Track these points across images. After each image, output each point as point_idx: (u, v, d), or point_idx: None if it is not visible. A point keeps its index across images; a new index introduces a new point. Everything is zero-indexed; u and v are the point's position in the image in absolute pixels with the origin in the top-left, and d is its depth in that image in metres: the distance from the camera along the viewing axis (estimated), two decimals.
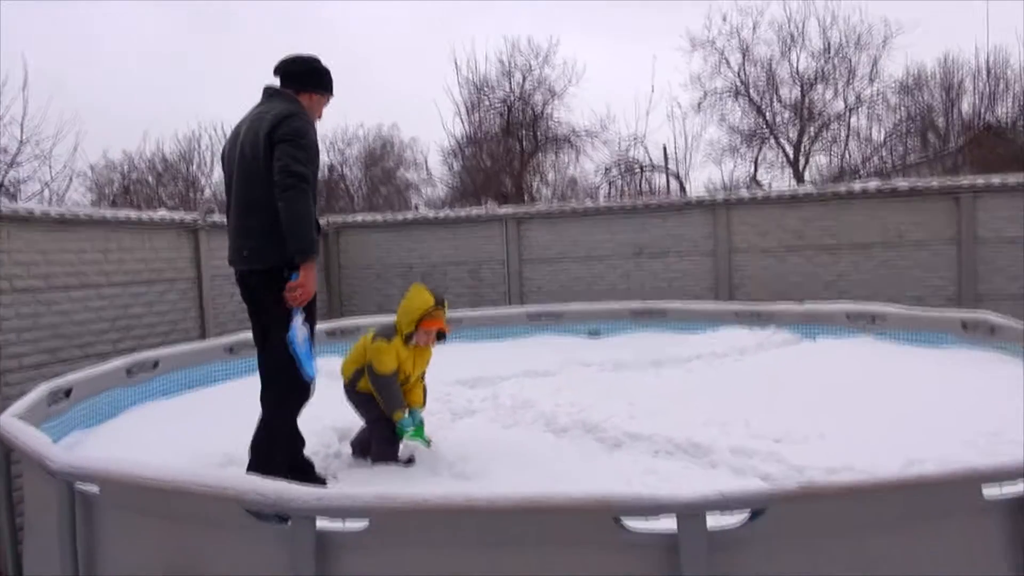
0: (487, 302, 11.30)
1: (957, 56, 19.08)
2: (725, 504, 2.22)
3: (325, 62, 3.83)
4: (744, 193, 11.30)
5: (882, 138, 19.69)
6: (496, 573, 2.27)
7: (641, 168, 20.72)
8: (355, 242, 12.35)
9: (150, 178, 21.82)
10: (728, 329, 7.51)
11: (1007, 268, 9.72)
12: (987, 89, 18.39)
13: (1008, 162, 15.28)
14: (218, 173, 21.82)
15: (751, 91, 19.71)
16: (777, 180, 20.29)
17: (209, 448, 4.05)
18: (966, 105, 19.04)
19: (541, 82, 19.72)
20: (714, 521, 2.23)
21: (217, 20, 35.85)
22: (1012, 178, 9.84)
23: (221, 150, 3.84)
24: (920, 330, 6.72)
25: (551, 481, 3.53)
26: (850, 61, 18.94)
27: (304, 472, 3.71)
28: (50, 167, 15.66)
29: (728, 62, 19.68)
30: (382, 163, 25.15)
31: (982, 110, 18.54)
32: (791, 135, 19.84)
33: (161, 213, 9.34)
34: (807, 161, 19.93)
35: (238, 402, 5.18)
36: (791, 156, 19.74)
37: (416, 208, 17.26)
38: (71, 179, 16.61)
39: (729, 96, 19.88)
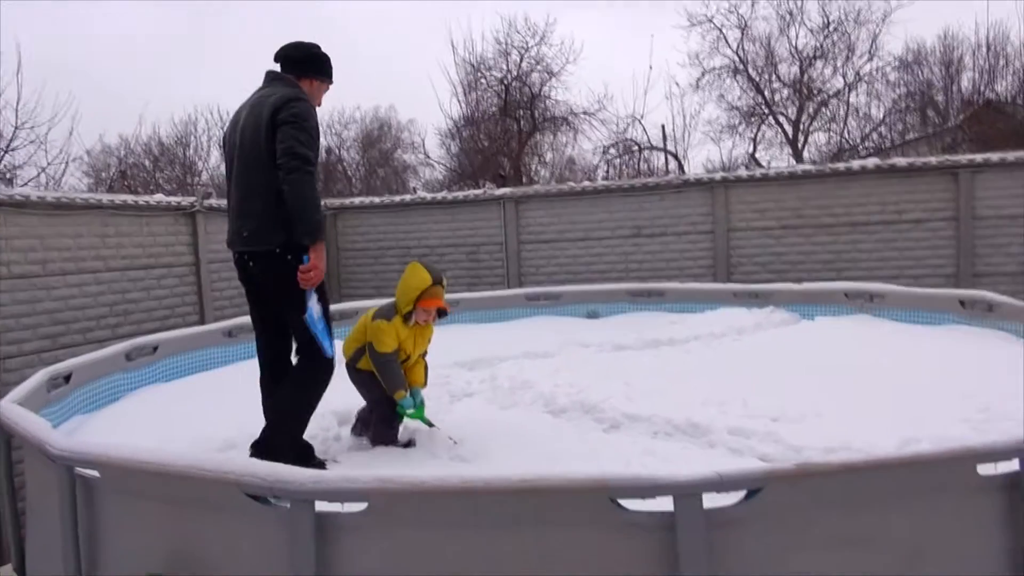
0: (485, 284, 11.30)
1: (957, 32, 18.98)
2: (722, 485, 2.23)
3: (324, 48, 3.82)
4: (743, 172, 11.28)
5: (881, 115, 19.61)
6: (494, 554, 2.29)
7: (639, 148, 20.64)
8: (353, 225, 12.34)
9: (147, 162, 21.75)
10: (726, 309, 7.51)
11: (1006, 246, 9.72)
12: (987, 65, 18.30)
13: (1007, 138, 15.22)
14: (215, 157, 21.78)
15: (750, 69, 19.59)
16: (776, 159, 20.25)
17: (209, 432, 4.06)
18: (966, 81, 18.97)
19: (538, 61, 19.61)
20: (711, 500, 2.25)
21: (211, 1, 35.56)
22: (1011, 155, 9.80)
23: (222, 134, 3.84)
24: (918, 309, 6.72)
25: (549, 462, 3.55)
26: (849, 37, 18.83)
27: (304, 455, 3.73)
28: (46, 152, 15.57)
29: (726, 39, 19.56)
30: (379, 145, 25.06)
31: (982, 86, 18.46)
32: (790, 113, 19.75)
33: (158, 197, 9.33)
34: (806, 139, 19.85)
35: (237, 386, 5.19)
36: (790, 134, 19.65)
37: (414, 190, 17.21)
38: (67, 164, 16.53)
39: (728, 74, 19.77)
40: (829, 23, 18.74)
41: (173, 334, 6.03)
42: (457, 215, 11.93)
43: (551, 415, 4.61)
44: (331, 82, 3.88)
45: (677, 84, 29.51)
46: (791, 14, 18.99)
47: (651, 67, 28.04)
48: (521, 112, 20.01)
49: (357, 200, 12.73)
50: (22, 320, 7.14)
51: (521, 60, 19.55)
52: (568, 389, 4.89)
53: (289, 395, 3.69)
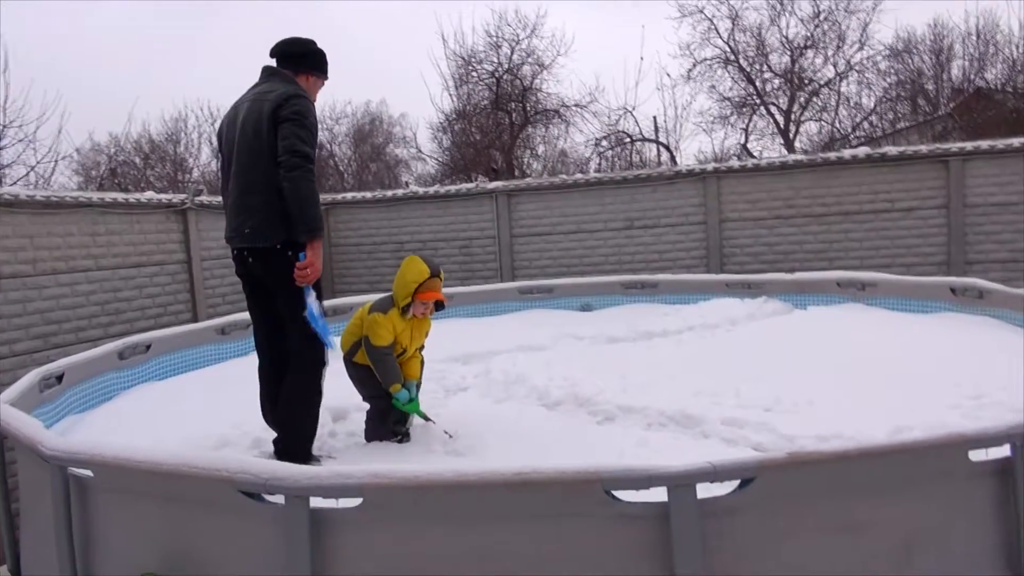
0: (478, 278, 11.29)
1: (947, 20, 19.00)
2: (716, 475, 2.23)
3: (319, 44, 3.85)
4: (734, 163, 11.28)
5: (872, 104, 19.64)
6: (490, 547, 2.29)
7: (631, 139, 20.62)
8: (345, 220, 12.31)
9: (137, 160, 21.60)
10: (719, 300, 7.53)
11: (996, 233, 9.76)
12: (977, 53, 18.32)
13: (997, 126, 15.26)
14: (206, 154, 21.68)
15: (741, 59, 19.56)
16: (768, 149, 20.23)
17: (203, 430, 4.05)
18: (956, 69, 18.98)
19: (529, 54, 19.53)
20: (705, 490, 2.26)
21: None
22: (1001, 142, 9.84)
23: (218, 128, 3.85)
24: (910, 297, 6.75)
25: (543, 455, 3.56)
26: (840, 26, 18.80)
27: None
28: (35, 150, 15.44)
29: (717, 30, 19.51)
30: (371, 140, 24.99)
31: (972, 74, 18.48)
32: (781, 103, 19.74)
33: (149, 195, 9.28)
34: (797, 129, 19.85)
35: (231, 384, 5.19)
36: (781, 124, 19.65)
37: (406, 185, 17.16)
38: (56, 162, 16.36)
39: (719, 64, 19.72)
40: (820, 12, 18.72)
41: (166, 332, 6.01)
42: (449, 209, 11.91)
43: (545, 408, 4.62)
44: (327, 78, 3.89)
45: (668, 75, 29.52)
46: (782, 4, 18.96)
47: (642, 58, 28.08)
48: (513, 105, 19.95)
49: (349, 195, 12.70)
50: (13, 320, 7.11)
51: (512, 53, 19.49)
52: (562, 382, 4.90)
53: (296, 404, 3.71)
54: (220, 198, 10.22)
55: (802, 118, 19.78)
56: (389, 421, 4.10)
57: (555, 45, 19.47)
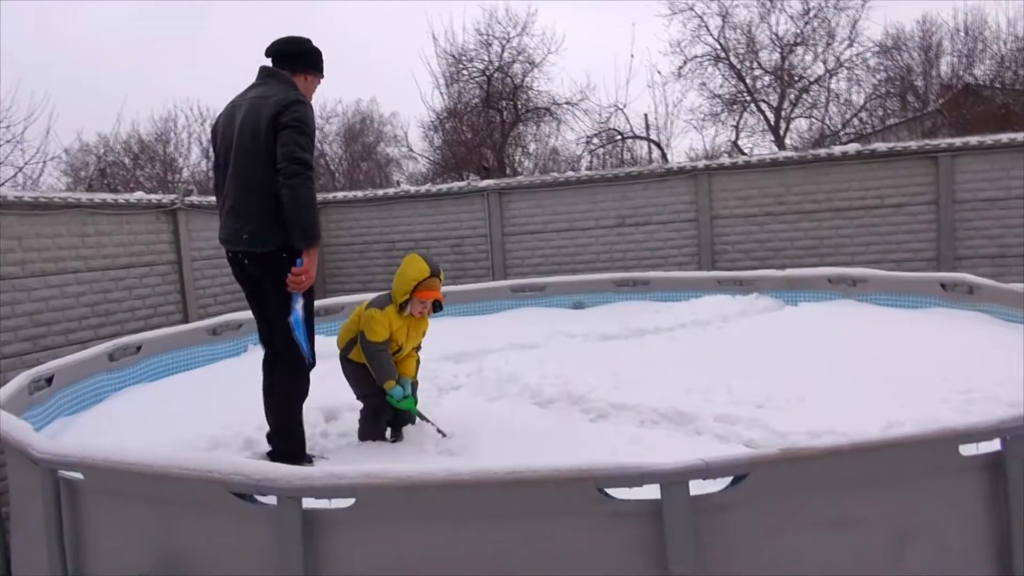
0: (470, 276, 11.28)
1: (935, 16, 19.08)
2: (708, 472, 2.24)
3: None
4: (725, 160, 11.30)
5: (862, 101, 19.70)
6: (483, 546, 2.29)
7: (622, 137, 20.64)
8: (336, 220, 12.27)
9: (126, 160, 21.47)
10: (711, 297, 7.54)
11: (985, 229, 9.81)
12: (965, 49, 18.41)
13: (986, 121, 15.34)
14: (196, 154, 21.57)
15: (731, 56, 19.60)
16: (758, 146, 20.28)
17: (194, 431, 4.03)
18: (944, 66, 19.07)
19: (520, 52, 19.51)
20: (698, 487, 2.26)
21: None
22: (990, 138, 9.89)
23: (212, 125, 3.82)
24: (901, 293, 6.78)
25: (536, 453, 3.56)
26: (829, 23, 18.85)
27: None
28: (22, 151, 15.34)
29: (707, 27, 19.53)
30: (362, 139, 24.92)
31: (960, 70, 18.57)
32: (771, 100, 19.79)
33: (138, 195, 9.23)
34: (788, 126, 19.90)
35: (223, 385, 5.18)
36: (772, 121, 19.70)
37: (397, 184, 17.15)
38: (45, 163, 16.25)
39: (709, 62, 19.75)
40: (809, 9, 18.77)
41: (156, 333, 5.98)
42: (441, 208, 11.90)
43: (538, 406, 4.62)
44: (323, 76, 3.90)
45: (659, 73, 29.51)
46: (771, 1, 19.02)
47: (632, 56, 27.90)
48: (504, 103, 19.94)
49: (340, 195, 12.66)
50: (2, 323, 7.06)
51: (503, 51, 19.47)
52: (554, 380, 4.91)
53: (278, 407, 3.75)
54: (211, 199, 10.17)
55: (792, 115, 19.83)
56: (382, 421, 4.09)
57: (546, 43, 19.48)
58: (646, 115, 20.57)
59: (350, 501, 2.32)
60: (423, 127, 21.45)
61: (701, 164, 11.09)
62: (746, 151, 19.37)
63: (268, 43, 3.76)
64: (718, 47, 19.57)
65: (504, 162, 19.81)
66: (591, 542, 2.28)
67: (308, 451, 3.88)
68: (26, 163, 15.50)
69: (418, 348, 4.33)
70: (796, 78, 19.38)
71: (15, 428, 3.10)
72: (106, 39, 34.01)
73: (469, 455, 3.73)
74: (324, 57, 3.86)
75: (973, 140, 9.93)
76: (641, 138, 20.64)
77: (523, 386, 4.92)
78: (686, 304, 7.38)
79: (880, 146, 10.47)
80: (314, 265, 3.51)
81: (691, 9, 19.37)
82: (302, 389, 3.78)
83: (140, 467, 2.50)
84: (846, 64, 19.04)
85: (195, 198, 9.74)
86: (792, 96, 19.52)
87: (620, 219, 11.16)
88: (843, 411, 3.89)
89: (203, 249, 9.79)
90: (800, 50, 19.19)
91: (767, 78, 19.67)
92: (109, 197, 8.73)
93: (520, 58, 19.52)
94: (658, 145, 20.46)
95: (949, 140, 10.30)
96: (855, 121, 19.66)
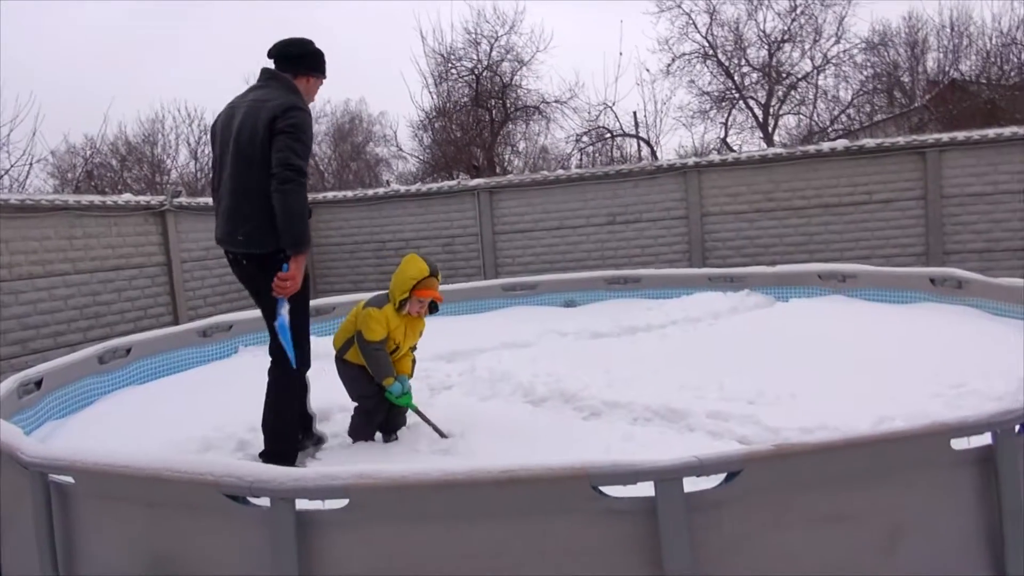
0: (462, 276, 11.28)
1: (921, 12, 19.22)
2: (702, 469, 2.24)
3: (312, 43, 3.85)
4: (715, 157, 11.34)
5: (849, 97, 19.80)
6: (478, 545, 2.28)
7: (612, 135, 20.67)
8: (326, 220, 12.24)
9: (114, 162, 21.34)
10: (702, 293, 7.56)
11: (973, 223, 9.88)
12: (951, 45, 18.53)
13: (972, 117, 15.44)
14: (184, 155, 21.49)
15: (719, 53, 19.66)
16: (747, 143, 20.37)
17: (186, 433, 4.02)
18: (931, 61, 19.21)
19: (508, 50, 19.53)
20: (691, 484, 2.26)
21: None
22: (977, 133, 9.95)
23: (212, 125, 3.84)
24: (890, 288, 6.82)
25: (530, 452, 3.56)
26: (816, 20, 18.95)
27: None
28: (8, 154, 15.26)
29: (695, 24, 19.60)
30: (351, 138, 24.88)
31: (946, 66, 18.69)
32: (760, 97, 19.86)
33: (126, 197, 9.19)
34: (776, 123, 20.00)
35: (213, 386, 5.15)
36: (760, 118, 19.78)
37: (387, 183, 17.11)
38: (31, 165, 16.18)
39: (698, 59, 19.82)
40: (796, 6, 18.86)
41: (146, 335, 5.95)
42: (431, 207, 11.88)
43: (531, 405, 4.62)
44: (325, 77, 3.90)
45: (648, 70, 29.64)
46: None
47: (621, 54, 28.10)
48: (493, 102, 19.94)
49: (330, 195, 12.64)
50: None
51: (491, 49, 19.48)
52: (547, 378, 4.91)
53: (269, 409, 3.75)
54: (199, 200, 10.14)
55: (780, 112, 19.93)
56: (374, 423, 4.08)
57: (534, 41, 19.62)
58: (635, 113, 20.66)
59: (344, 502, 2.31)
60: (412, 126, 21.49)
61: (691, 161, 11.13)
62: (735, 148, 19.45)
63: (270, 44, 3.76)
64: (706, 44, 19.65)
65: (494, 161, 19.81)
66: (585, 540, 2.27)
67: (301, 452, 3.88)
68: (12, 165, 15.42)
69: (414, 349, 4.34)
70: (784, 75, 19.47)
71: (4, 432, 3.07)
72: (91, 40, 33.78)
73: (462, 454, 3.73)
74: (326, 58, 3.88)
75: (960, 135, 10.00)
76: (631, 136, 20.69)
77: (516, 385, 4.92)
78: (677, 301, 7.41)
79: (868, 142, 10.52)
80: (301, 272, 3.52)
81: (679, 6, 19.45)
82: (294, 391, 3.78)
83: (131, 470, 2.48)
84: (833, 61, 19.17)
85: (184, 199, 9.69)
86: (780, 93, 19.61)
87: (611, 217, 11.17)
88: (834, 406, 3.90)
89: (192, 251, 9.75)
90: (788, 47, 19.31)
91: (755, 75, 19.77)
92: (97, 199, 8.69)
93: (509, 57, 19.55)
94: (647, 143, 20.52)
95: (936, 136, 10.36)
96: (843, 117, 19.78)
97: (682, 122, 21.44)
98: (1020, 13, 17.02)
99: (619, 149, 21.07)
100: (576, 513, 2.27)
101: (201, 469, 2.41)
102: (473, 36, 19.37)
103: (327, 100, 24.28)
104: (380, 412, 4.07)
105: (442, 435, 4.00)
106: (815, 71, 19.26)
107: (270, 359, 3.77)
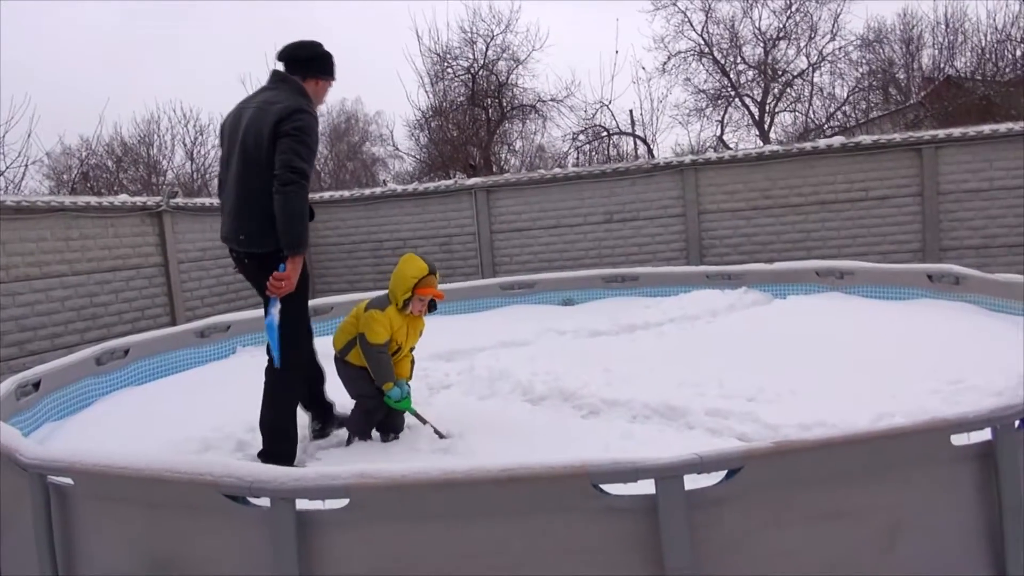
0: (459, 275, 11.28)
1: (916, 9, 19.26)
2: (703, 466, 2.24)
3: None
4: (711, 154, 11.34)
5: (845, 94, 19.84)
6: (478, 544, 2.28)
7: (608, 133, 20.67)
8: (323, 220, 12.22)
9: (110, 163, 21.29)
10: (700, 291, 7.56)
11: (969, 219, 9.90)
12: (946, 41, 18.56)
13: (968, 113, 15.47)
14: (180, 156, 21.47)
15: (715, 51, 19.68)
16: (743, 140, 20.41)
17: (185, 434, 4.02)
18: (926, 58, 19.25)
19: (504, 49, 19.52)
20: (692, 481, 2.26)
21: None
22: (972, 129, 9.97)
23: (221, 124, 3.86)
24: (887, 284, 6.83)
25: (529, 450, 3.56)
26: (811, 17, 18.99)
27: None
28: (3, 155, 15.22)
29: (691, 22, 19.63)
30: (347, 138, 24.86)
31: (942, 63, 18.72)
32: (756, 95, 19.89)
33: (123, 198, 9.17)
34: (772, 120, 20.03)
35: (211, 387, 5.15)
36: (756, 116, 19.80)
37: (384, 183, 17.09)
38: (27, 167, 16.14)
39: (693, 57, 19.85)
40: (792, 4, 18.89)
41: (144, 336, 5.94)
42: (428, 207, 11.87)
43: (530, 403, 4.62)
44: (335, 79, 3.92)
45: (644, 68, 29.61)
46: None
47: (617, 52, 28.00)
48: (489, 101, 19.93)
49: (327, 195, 12.62)
50: None
51: (487, 48, 19.47)
52: (545, 377, 4.91)
53: (267, 408, 3.76)
54: (196, 201, 10.13)
55: (776, 109, 19.96)
56: (372, 422, 4.08)
57: (530, 40, 19.63)
58: (631, 111, 20.67)
59: (344, 502, 2.31)
60: (409, 126, 21.47)
61: (687, 159, 11.13)
62: (732, 146, 19.46)
63: (272, 45, 3.82)
64: (702, 42, 19.68)
65: (491, 160, 19.80)
66: (586, 538, 2.27)
67: (300, 452, 3.87)
68: (7, 167, 15.38)
69: (412, 349, 4.34)
70: (779, 72, 19.49)
71: (3, 434, 3.06)
72: (86, 41, 33.69)
73: (462, 453, 3.73)
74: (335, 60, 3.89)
75: (956, 132, 10.01)
76: (627, 134, 20.69)
77: (514, 383, 4.92)
78: (675, 299, 7.41)
79: (864, 139, 10.53)
80: (297, 272, 3.53)
81: (674, 4, 19.46)
82: (292, 390, 3.78)
83: (131, 471, 2.48)
84: (829, 58, 19.20)
85: (180, 200, 9.67)
86: (776, 90, 19.64)
87: (608, 215, 11.17)
88: (833, 403, 3.91)
89: (189, 251, 9.73)
90: (783, 44, 19.34)
91: (751, 73, 19.80)
92: (93, 200, 8.67)
93: (505, 55, 19.55)
94: (644, 141, 20.52)
95: (932, 132, 10.38)
96: (839, 114, 19.81)
97: (678, 120, 21.54)
98: (1015, 9, 17.06)
99: (615, 147, 21.09)
100: (576, 511, 2.27)
101: (201, 469, 2.41)
102: (469, 35, 19.39)
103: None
104: (379, 412, 4.06)
105: (441, 436, 4.00)
106: (811, 68, 19.31)
107: (267, 358, 3.77)
